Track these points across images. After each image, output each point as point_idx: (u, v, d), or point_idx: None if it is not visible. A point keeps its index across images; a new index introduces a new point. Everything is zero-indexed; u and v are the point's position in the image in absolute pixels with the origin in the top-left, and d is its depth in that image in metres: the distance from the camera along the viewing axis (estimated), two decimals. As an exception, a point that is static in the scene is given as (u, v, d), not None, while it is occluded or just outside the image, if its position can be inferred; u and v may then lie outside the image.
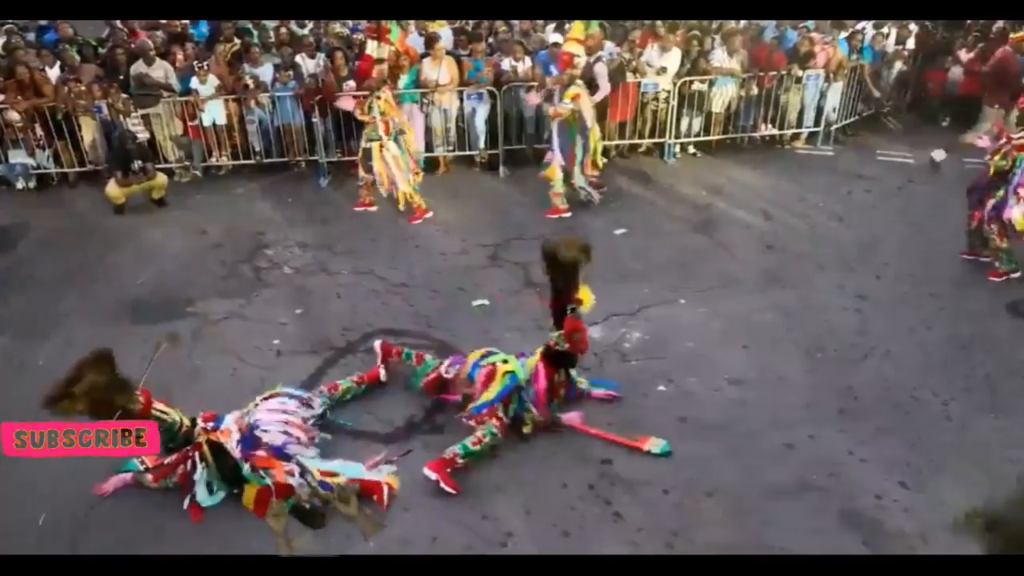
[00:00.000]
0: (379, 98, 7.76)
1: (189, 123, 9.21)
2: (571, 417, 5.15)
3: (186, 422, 4.47)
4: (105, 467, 4.77)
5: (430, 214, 8.24)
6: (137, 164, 8.30)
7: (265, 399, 4.92)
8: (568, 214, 8.26)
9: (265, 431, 4.64)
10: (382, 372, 5.38)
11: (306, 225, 8.22)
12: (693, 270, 7.18)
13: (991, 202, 6.73)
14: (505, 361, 5.16)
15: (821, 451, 4.91)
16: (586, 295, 4.78)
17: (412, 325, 6.38)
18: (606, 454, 4.93)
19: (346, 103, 8.53)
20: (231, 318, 6.54)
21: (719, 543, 4.24)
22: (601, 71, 8.82)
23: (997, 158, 6.64)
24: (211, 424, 4.56)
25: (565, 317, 4.89)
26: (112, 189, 8.39)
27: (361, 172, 8.23)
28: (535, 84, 8.82)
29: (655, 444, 4.89)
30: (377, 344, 5.76)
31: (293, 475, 4.54)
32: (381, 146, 7.86)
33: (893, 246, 7.52)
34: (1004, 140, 6.69)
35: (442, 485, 4.59)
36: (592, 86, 8.62)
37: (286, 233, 8.07)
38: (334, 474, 4.63)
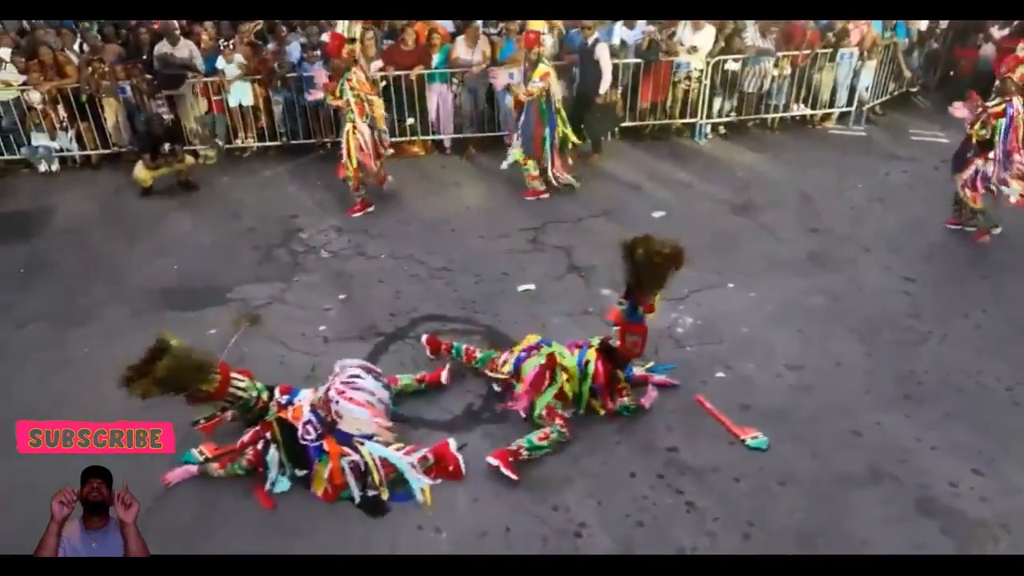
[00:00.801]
0: (350, 80, 7.47)
1: (213, 97, 9.02)
2: (652, 395, 5.14)
3: (263, 397, 4.40)
4: (168, 458, 4.70)
5: (371, 208, 7.96)
6: (166, 146, 8.14)
7: (341, 373, 4.82)
8: (547, 195, 8.14)
9: (350, 404, 4.55)
10: (444, 375, 5.25)
11: (338, 208, 8.06)
12: (738, 253, 7.08)
13: (973, 167, 6.80)
14: (561, 356, 5.03)
15: (889, 438, 4.84)
16: (658, 302, 4.70)
17: (458, 310, 6.28)
18: (671, 442, 4.86)
19: (315, 95, 8.29)
20: (272, 303, 6.43)
21: (797, 533, 4.18)
22: (603, 53, 8.55)
23: (977, 127, 6.73)
24: (285, 398, 4.49)
25: (613, 310, 4.82)
26: (140, 172, 8.24)
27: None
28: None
29: (754, 438, 4.81)
30: (424, 338, 5.68)
31: (357, 468, 4.47)
32: (354, 128, 7.56)
33: (937, 227, 7.41)
34: (980, 109, 6.75)
35: (503, 470, 4.52)
36: (595, 70, 8.49)
37: (319, 216, 7.94)
38: (391, 465, 4.56)
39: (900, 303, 6.30)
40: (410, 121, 9.26)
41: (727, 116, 9.75)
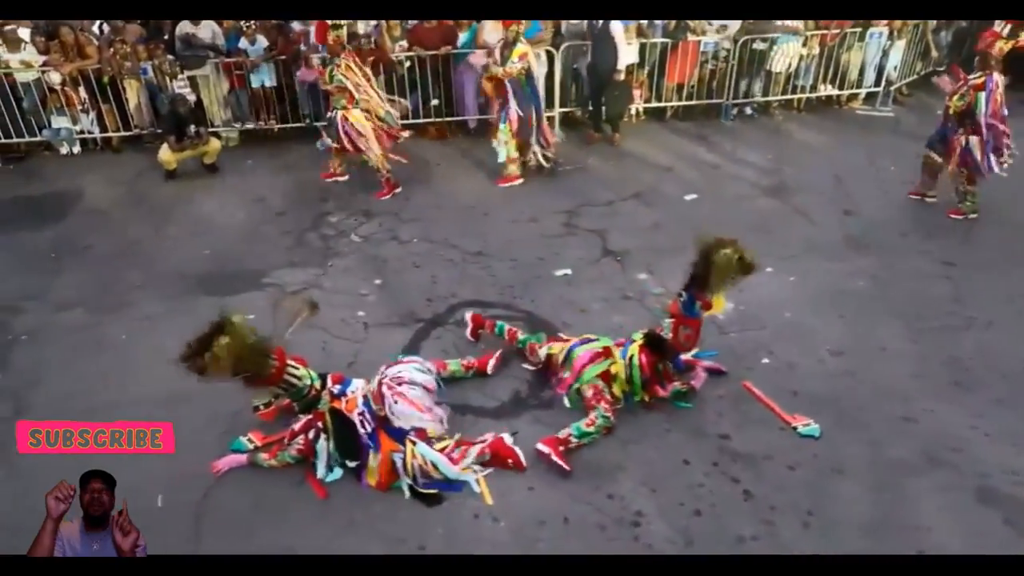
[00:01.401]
0: (339, 65, 7.37)
1: (235, 72, 8.92)
2: (701, 376, 5.13)
3: (316, 385, 4.35)
4: (216, 446, 4.69)
5: (399, 190, 7.91)
6: (191, 128, 8.05)
7: (391, 365, 4.79)
8: (520, 181, 8.02)
9: (401, 405, 4.53)
10: (491, 365, 5.19)
11: (366, 191, 7.99)
12: (773, 236, 7.00)
13: (958, 148, 6.93)
14: (607, 349, 5.01)
15: (941, 425, 4.80)
16: (719, 304, 4.62)
17: (496, 296, 6.22)
18: (722, 429, 4.82)
19: (307, 75, 8.09)
20: (309, 289, 6.36)
21: (857, 521, 4.16)
22: (617, 30, 8.43)
23: (955, 99, 6.89)
24: (337, 388, 4.45)
25: (673, 302, 4.76)
26: (165, 154, 8.16)
27: (328, 140, 7.84)
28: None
29: (805, 425, 4.77)
30: (468, 315, 5.66)
31: (402, 463, 4.44)
32: (346, 115, 7.49)
33: (973, 211, 7.35)
34: (961, 82, 6.90)
35: (555, 459, 4.49)
36: (610, 48, 8.37)
37: (347, 200, 7.87)
38: (435, 467, 4.48)
39: (941, 288, 6.24)
40: (435, 102, 9.17)
41: (754, 96, 9.64)
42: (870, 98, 10.09)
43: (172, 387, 5.05)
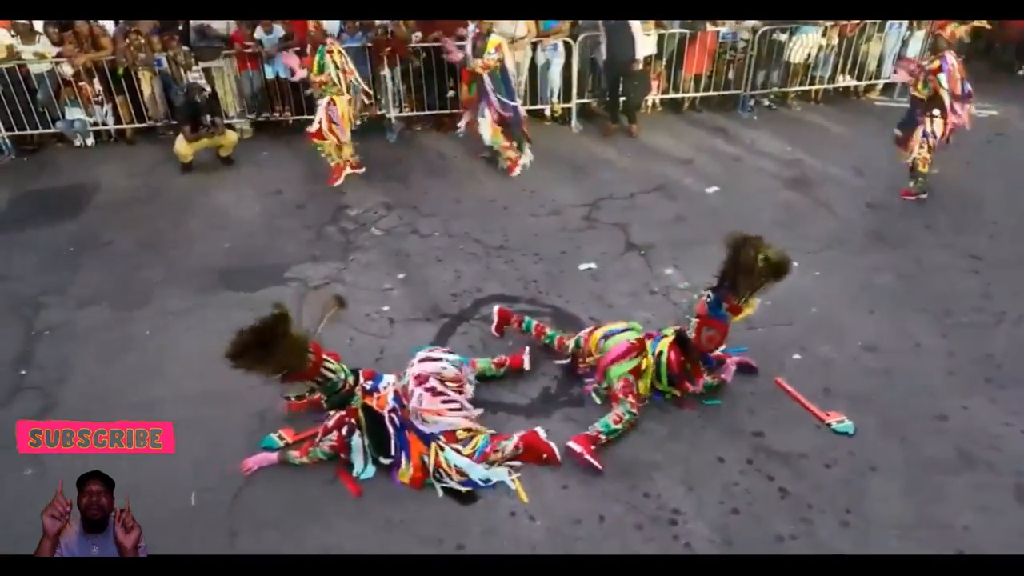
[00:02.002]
0: (331, 51, 7.29)
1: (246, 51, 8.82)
2: (731, 370, 5.10)
3: (350, 380, 4.31)
4: (247, 444, 4.67)
5: (341, 181, 7.93)
6: (207, 118, 7.98)
7: (422, 360, 4.79)
8: (529, 158, 8.04)
9: (432, 413, 4.52)
10: (526, 360, 5.14)
11: (385, 183, 7.95)
12: (796, 230, 6.94)
13: (920, 129, 7.01)
14: (640, 342, 4.96)
15: (977, 422, 4.77)
16: (750, 307, 4.58)
17: (521, 290, 6.19)
18: (755, 426, 4.80)
19: (291, 60, 8.06)
20: (331, 284, 6.32)
21: (895, 520, 4.14)
22: (635, 21, 8.32)
23: (920, 86, 6.96)
24: (369, 384, 4.42)
25: (701, 301, 4.70)
26: (181, 147, 8.09)
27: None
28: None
29: (839, 422, 4.74)
30: (496, 310, 5.63)
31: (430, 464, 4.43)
32: (332, 101, 7.41)
33: (998, 203, 7.28)
34: (916, 68, 7.03)
35: (587, 458, 4.46)
36: (628, 38, 8.30)
37: (365, 192, 7.81)
38: (462, 472, 4.46)
39: (968, 282, 6.19)
40: (451, 93, 9.09)
41: (772, 87, 9.56)
42: (888, 89, 9.99)
43: (200, 385, 5.08)
